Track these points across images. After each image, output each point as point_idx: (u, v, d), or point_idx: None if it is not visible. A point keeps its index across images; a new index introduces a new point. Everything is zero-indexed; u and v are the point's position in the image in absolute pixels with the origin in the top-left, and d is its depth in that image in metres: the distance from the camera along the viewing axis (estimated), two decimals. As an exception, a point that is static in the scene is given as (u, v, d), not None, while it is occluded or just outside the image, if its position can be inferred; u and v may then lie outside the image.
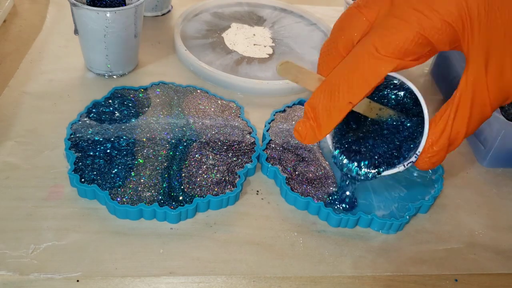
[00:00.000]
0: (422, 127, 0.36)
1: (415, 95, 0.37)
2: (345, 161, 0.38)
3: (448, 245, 0.43)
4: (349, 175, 0.39)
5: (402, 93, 0.37)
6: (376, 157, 0.38)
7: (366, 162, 0.38)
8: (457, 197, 0.48)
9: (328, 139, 0.39)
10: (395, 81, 0.37)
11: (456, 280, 0.41)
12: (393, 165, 0.37)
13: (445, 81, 0.60)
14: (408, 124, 0.37)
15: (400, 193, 0.45)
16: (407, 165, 0.37)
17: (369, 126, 0.39)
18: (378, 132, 0.38)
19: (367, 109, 0.38)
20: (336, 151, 0.39)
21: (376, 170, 0.38)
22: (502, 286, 0.41)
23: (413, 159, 0.36)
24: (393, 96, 0.37)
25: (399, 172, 0.37)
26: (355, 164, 0.38)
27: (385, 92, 0.38)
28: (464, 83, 0.33)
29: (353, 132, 0.39)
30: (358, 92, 0.33)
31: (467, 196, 0.48)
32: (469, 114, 0.33)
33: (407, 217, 0.43)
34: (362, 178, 0.38)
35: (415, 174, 0.47)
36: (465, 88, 0.32)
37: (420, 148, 0.35)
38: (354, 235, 0.43)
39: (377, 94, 0.38)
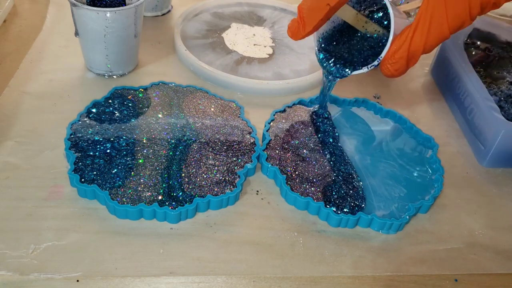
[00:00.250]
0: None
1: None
2: (324, 60, 0.47)
3: (448, 245, 0.43)
4: (328, 72, 0.47)
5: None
6: (349, 61, 0.45)
7: (341, 62, 0.46)
8: (457, 197, 0.48)
9: (314, 40, 0.47)
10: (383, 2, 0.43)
11: (456, 280, 0.41)
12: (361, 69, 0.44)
13: (445, 81, 0.60)
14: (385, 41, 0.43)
15: (400, 193, 0.45)
16: (369, 67, 0.43)
17: (354, 38, 0.46)
18: (359, 43, 0.45)
19: (354, 20, 0.45)
20: (320, 51, 0.47)
21: (348, 69, 0.45)
22: (502, 286, 0.41)
23: (375, 63, 0.42)
24: (381, 17, 0.44)
25: (363, 73, 0.44)
26: (332, 63, 0.46)
27: (381, 14, 0.44)
28: (426, 4, 0.38)
29: (342, 38, 0.46)
30: None
31: (467, 196, 0.48)
32: (427, 30, 0.38)
33: (407, 217, 0.43)
34: (333, 73, 0.46)
35: (415, 174, 0.47)
36: (426, 8, 0.38)
37: (382, 54, 0.41)
38: (354, 235, 0.43)
39: (372, 16, 0.44)
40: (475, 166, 0.52)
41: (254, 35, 0.65)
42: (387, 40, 0.41)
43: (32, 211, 0.40)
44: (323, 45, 0.47)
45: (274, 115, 0.51)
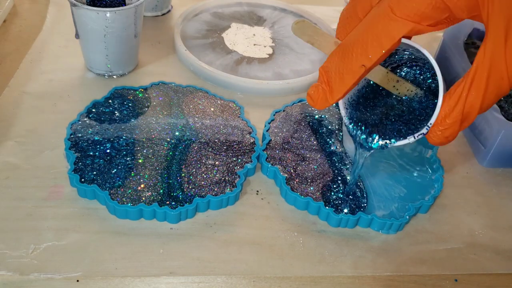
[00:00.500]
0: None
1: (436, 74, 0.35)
2: (357, 132, 0.39)
3: (448, 245, 0.43)
4: (360, 145, 0.39)
5: (423, 73, 0.37)
6: (388, 130, 0.38)
7: (376, 135, 0.38)
8: (457, 197, 0.48)
9: (341, 107, 0.39)
10: (413, 55, 0.36)
11: (456, 280, 0.41)
12: (404, 137, 0.37)
13: (445, 81, 0.60)
14: (424, 100, 0.36)
15: (400, 193, 0.45)
16: (417, 136, 0.36)
17: (385, 99, 0.38)
18: (393, 105, 0.38)
19: (384, 80, 0.37)
20: (349, 121, 0.39)
21: (387, 141, 0.38)
22: (502, 286, 0.41)
23: (423, 130, 0.35)
24: (413, 73, 0.37)
25: (409, 143, 0.37)
26: (366, 135, 0.38)
27: (406, 70, 0.37)
28: (482, 55, 0.31)
29: (368, 105, 0.39)
30: (372, 54, 0.32)
31: (467, 196, 0.48)
32: (484, 87, 0.31)
33: (407, 217, 0.43)
34: (373, 148, 0.38)
35: (415, 174, 0.47)
36: (482, 59, 0.31)
37: (432, 120, 0.34)
38: (354, 235, 0.43)
39: (399, 73, 0.38)
40: (475, 166, 0.52)
41: (254, 35, 0.65)
42: (428, 101, 0.36)
43: (32, 211, 0.40)
44: (350, 113, 0.40)
45: (274, 115, 0.51)
